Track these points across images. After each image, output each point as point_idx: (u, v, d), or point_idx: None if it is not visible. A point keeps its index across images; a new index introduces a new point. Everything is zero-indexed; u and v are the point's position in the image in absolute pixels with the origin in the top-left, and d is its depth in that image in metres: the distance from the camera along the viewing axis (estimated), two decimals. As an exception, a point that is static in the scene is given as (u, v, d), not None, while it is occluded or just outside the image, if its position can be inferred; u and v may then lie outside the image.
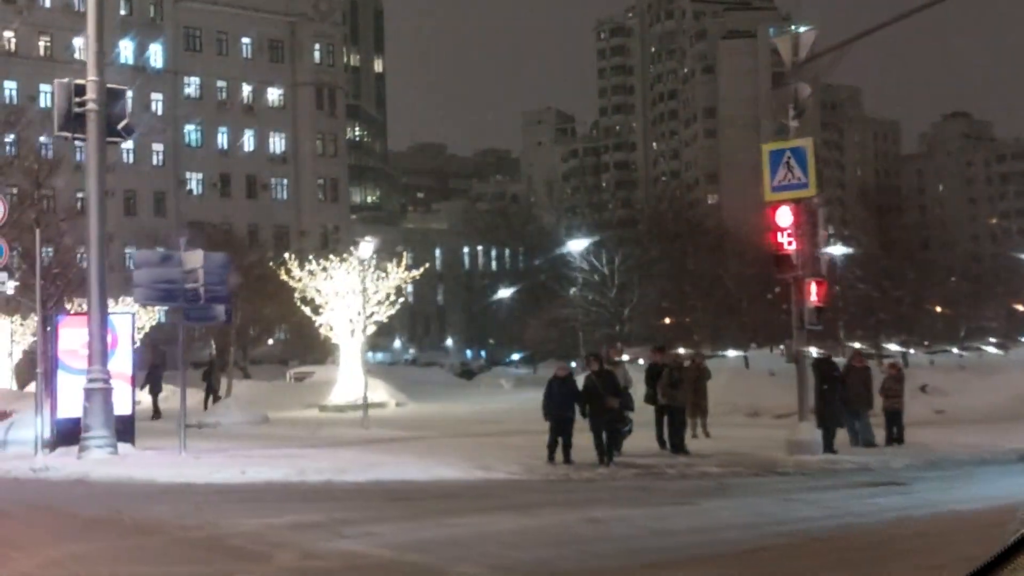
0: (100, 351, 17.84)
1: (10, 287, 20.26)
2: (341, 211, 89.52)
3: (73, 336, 19.36)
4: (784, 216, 16.39)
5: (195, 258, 17.04)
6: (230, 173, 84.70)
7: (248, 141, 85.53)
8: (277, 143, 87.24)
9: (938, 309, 53.25)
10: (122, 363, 19.16)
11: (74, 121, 18.29)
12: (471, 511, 11.01)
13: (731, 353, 44.30)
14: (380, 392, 36.15)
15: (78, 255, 26.69)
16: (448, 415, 31.39)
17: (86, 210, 18.51)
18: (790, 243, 16.25)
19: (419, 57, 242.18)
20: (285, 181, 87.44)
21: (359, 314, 34.98)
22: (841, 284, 45.04)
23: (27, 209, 22.59)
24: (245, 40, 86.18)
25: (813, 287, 16.30)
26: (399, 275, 35.31)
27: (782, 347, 41.52)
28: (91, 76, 18.26)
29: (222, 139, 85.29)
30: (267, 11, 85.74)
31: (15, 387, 47.77)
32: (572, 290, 45.84)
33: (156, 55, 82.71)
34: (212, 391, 32.61)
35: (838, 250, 47.54)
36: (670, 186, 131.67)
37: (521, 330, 61.39)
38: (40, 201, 27.19)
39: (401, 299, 35.15)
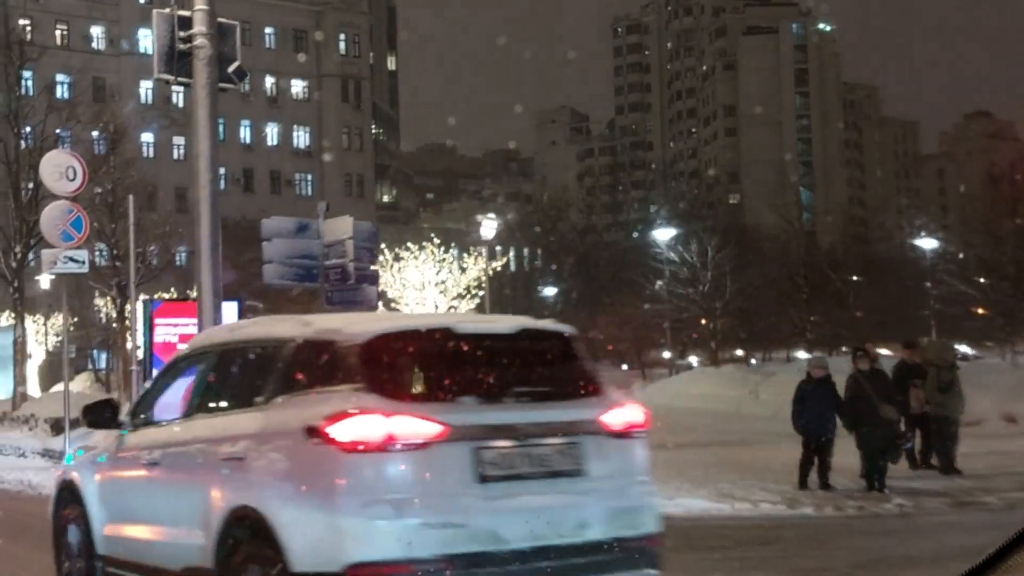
0: (213, 344, 14.37)
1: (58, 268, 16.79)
2: (367, 208, 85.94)
3: (168, 328, 15.92)
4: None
5: (340, 227, 13.57)
6: (253, 168, 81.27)
7: (272, 135, 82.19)
8: (301, 137, 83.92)
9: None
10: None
11: (177, 61, 14.80)
12: (846, 569, 7.54)
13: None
14: (459, 396, 32.80)
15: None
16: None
17: (192, 172, 15.00)
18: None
19: (430, 56, 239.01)
20: (310, 177, 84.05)
21: (436, 308, 31.66)
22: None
23: (102, 179, 19.24)
24: (268, 30, 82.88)
25: None
26: (478, 267, 31.94)
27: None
28: (199, 4, 14.75)
29: (245, 133, 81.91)
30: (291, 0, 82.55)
31: (39, 392, 44.27)
32: (658, 283, 42.37)
33: (176, 45, 79.30)
34: None
35: (928, 243, 44.30)
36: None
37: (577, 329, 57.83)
38: (114, 170, 23.99)
39: (482, 292, 31.74)
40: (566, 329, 5.79)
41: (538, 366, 5.47)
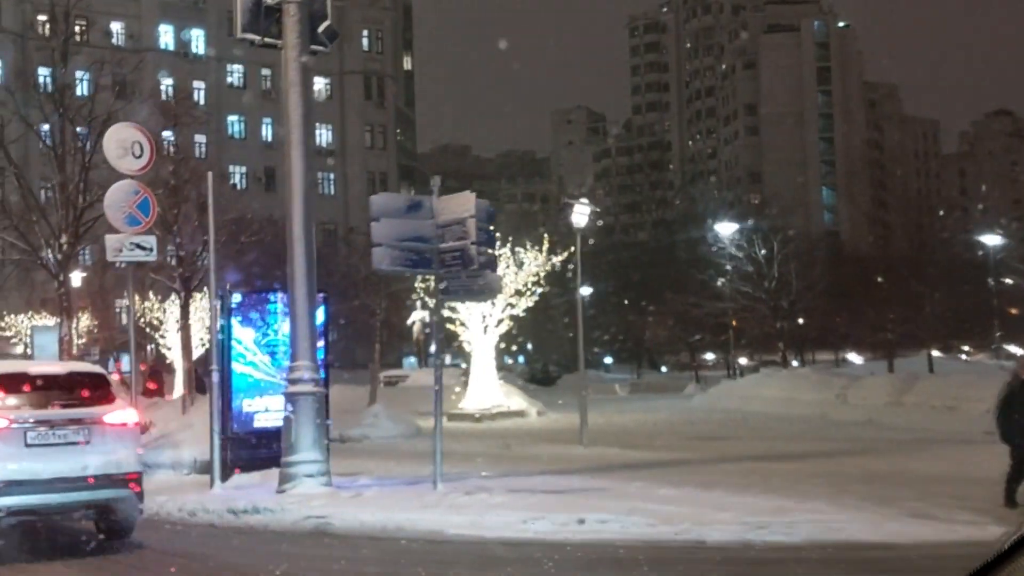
0: (308, 341, 12.61)
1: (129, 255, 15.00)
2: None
3: (249, 324, 14.13)
4: None
5: (460, 205, 11.74)
6: (275, 166, 79.51)
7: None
8: (324, 135, 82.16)
9: None
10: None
11: (264, 19, 13.08)
12: None
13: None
14: (518, 399, 31.00)
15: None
16: (624, 426, 26.17)
17: (285, 146, 13.28)
18: None
19: (444, 56, 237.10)
20: (332, 176, 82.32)
21: (494, 304, 29.77)
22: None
23: (163, 158, 17.42)
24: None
25: None
26: (538, 263, 30.03)
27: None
28: (290, -46, 13.01)
29: (266, 131, 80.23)
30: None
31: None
32: (720, 281, 40.36)
33: (198, 40, 77.76)
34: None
35: (992, 239, 42.34)
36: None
37: (609, 330, 56.01)
38: (176, 149, 22.17)
39: (541, 289, 29.86)
40: (98, 369, 11.71)
41: (75, 389, 10.13)
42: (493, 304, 29.99)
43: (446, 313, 30.61)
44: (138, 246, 14.03)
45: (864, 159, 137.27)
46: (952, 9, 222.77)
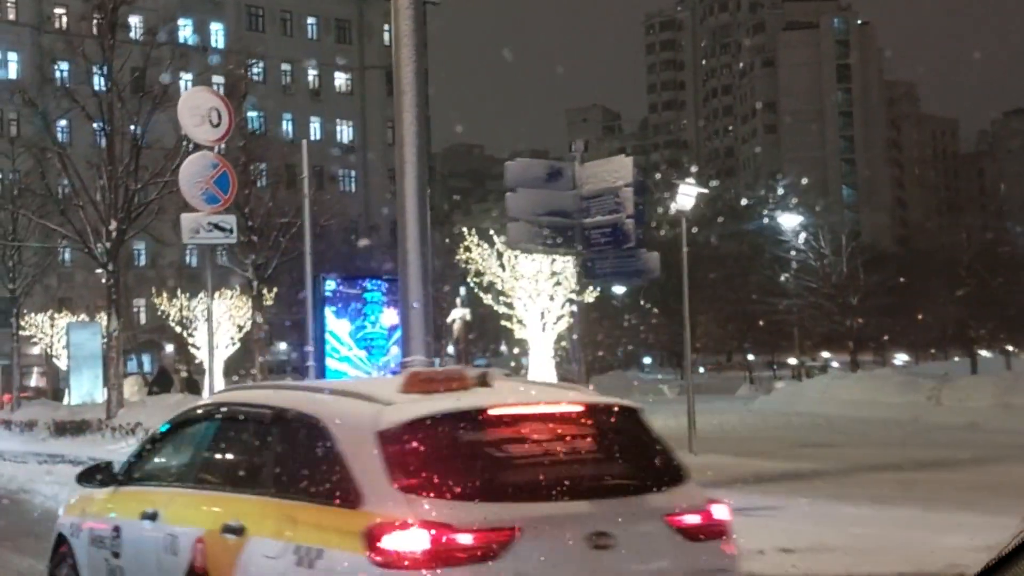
0: (422, 331, 10.86)
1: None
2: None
3: (345, 314, 12.46)
4: None
5: (610, 172, 10.02)
6: (295, 164, 78.01)
7: (315, 129, 79.06)
8: (345, 131, 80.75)
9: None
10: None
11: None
12: None
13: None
14: (576, 401, 29.13)
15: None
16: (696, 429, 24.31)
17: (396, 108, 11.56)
18: None
19: (458, 54, 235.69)
20: (353, 173, 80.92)
21: (551, 299, 28.03)
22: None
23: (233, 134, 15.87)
24: (310, 20, 79.94)
25: None
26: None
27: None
28: None
29: (287, 127, 78.74)
30: (334, -11, 79.53)
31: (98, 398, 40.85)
32: (784, 276, 38.63)
33: (217, 35, 76.34)
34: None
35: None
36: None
37: (643, 329, 54.22)
38: (244, 123, 20.59)
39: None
40: None
41: None
42: (552, 299, 28.33)
43: (501, 310, 28.97)
44: (216, 227, 12.33)
45: (885, 158, 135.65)
46: (971, 7, 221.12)
